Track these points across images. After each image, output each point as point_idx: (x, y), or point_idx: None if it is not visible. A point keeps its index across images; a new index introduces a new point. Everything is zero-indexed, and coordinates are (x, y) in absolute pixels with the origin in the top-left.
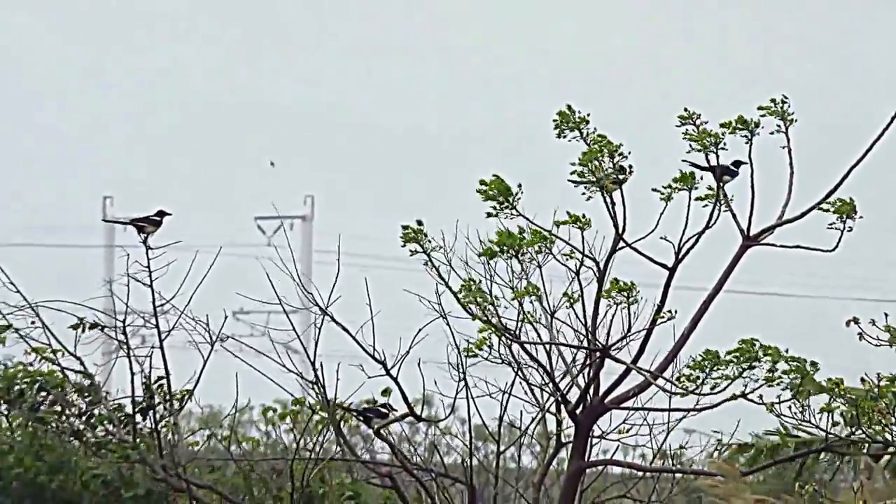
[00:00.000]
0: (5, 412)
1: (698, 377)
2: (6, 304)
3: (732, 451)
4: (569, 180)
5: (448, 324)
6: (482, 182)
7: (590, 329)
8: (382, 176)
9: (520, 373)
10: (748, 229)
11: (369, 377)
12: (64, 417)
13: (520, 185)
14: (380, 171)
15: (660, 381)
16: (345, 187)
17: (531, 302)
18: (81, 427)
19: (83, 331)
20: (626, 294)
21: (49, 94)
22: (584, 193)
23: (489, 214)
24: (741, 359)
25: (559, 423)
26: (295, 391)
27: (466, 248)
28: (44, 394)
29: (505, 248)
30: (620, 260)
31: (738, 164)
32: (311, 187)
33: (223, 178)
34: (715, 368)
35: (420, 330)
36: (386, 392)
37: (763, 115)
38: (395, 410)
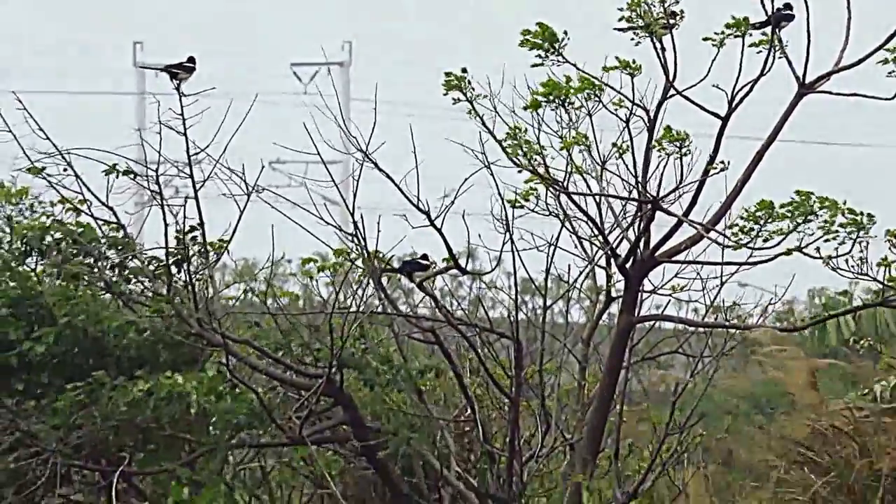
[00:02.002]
0: (34, 264)
1: (752, 229)
2: (36, 150)
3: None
4: (615, 29)
5: (493, 174)
6: (526, 31)
7: (640, 180)
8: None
9: (568, 225)
10: (804, 76)
11: (413, 228)
12: (96, 270)
13: (566, 32)
14: (422, 16)
15: (712, 234)
16: (385, 32)
17: (580, 152)
18: (114, 280)
19: (117, 176)
20: (678, 143)
21: None
22: (632, 39)
23: (535, 64)
24: (796, 212)
25: (609, 276)
26: (333, 244)
27: (513, 96)
28: (76, 246)
29: (551, 97)
30: (671, 109)
31: (788, 7)
32: (349, 32)
33: (257, 24)
34: (769, 221)
35: (465, 180)
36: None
37: None
38: (435, 263)
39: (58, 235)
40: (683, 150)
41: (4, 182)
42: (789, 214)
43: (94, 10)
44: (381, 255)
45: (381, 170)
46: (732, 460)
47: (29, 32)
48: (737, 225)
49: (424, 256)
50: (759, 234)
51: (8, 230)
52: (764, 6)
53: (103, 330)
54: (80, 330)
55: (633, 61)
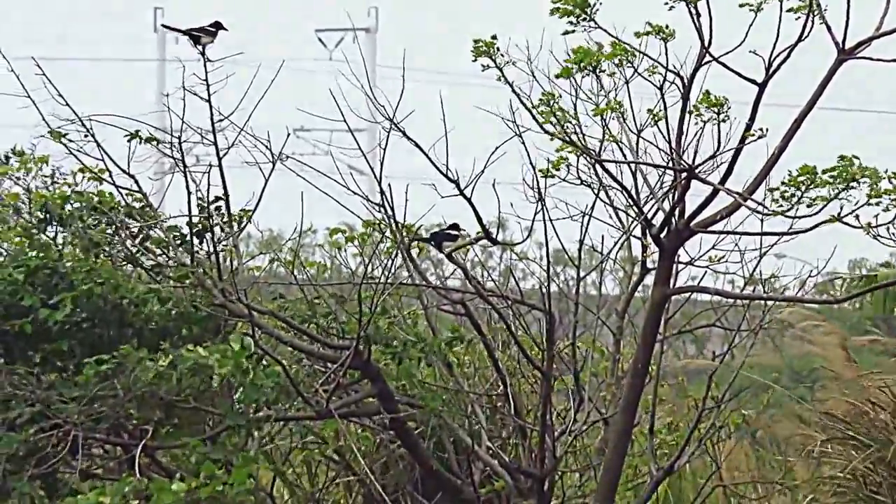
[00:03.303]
0: (54, 234)
1: (793, 195)
2: (56, 117)
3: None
4: None
5: (524, 143)
6: None
7: (675, 149)
8: None
9: (602, 194)
10: (843, 42)
11: (442, 197)
12: (118, 239)
13: None
14: None
15: (749, 203)
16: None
17: (615, 119)
18: (135, 250)
19: (140, 142)
20: (716, 109)
21: None
22: (666, 3)
23: (566, 32)
24: (838, 178)
25: (644, 247)
26: (361, 214)
27: (547, 62)
28: (96, 214)
29: (583, 64)
30: (707, 76)
31: None
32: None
33: None
34: (811, 187)
35: (497, 148)
36: None
37: None
38: (465, 232)
39: (77, 204)
40: (721, 117)
41: (24, 150)
42: (831, 181)
43: None
44: (409, 226)
45: (409, 138)
46: (770, 436)
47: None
48: (777, 189)
49: (455, 226)
50: (801, 200)
51: (27, 199)
52: None
53: (125, 299)
54: (100, 298)
55: (667, 26)
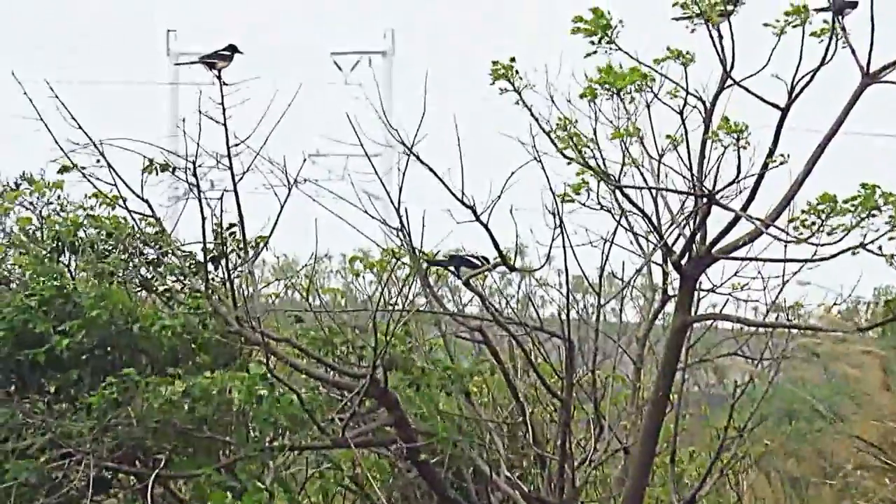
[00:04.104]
0: (67, 261)
1: (814, 223)
2: (70, 140)
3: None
4: (673, 18)
5: (543, 167)
6: (578, 18)
7: (695, 174)
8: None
9: (622, 220)
10: (868, 65)
11: (458, 223)
12: (131, 266)
13: (620, 21)
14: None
15: (772, 230)
16: (428, 20)
17: (635, 143)
18: (150, 276)
19: (156, 173)
20: (737, 135)
21: None
22: (687, 26)
23: (588, 54)
24: (860, 206)
25: (665, 274)
26: (376, 239)
27: (566, 86)
28: (111, 241)
29: (607, 85)
30: (729, 100)
31: None
32: (391, 20)
33: (294, 9)
34: (832, 215)
35: (513, 173)
36: None
37: None
38: (485, 259)
39: (91, 231)
40: (741, 143)
41: (35, 175)
42: (853, 209)
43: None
44: (428, 252)
45: (424, 164)
46: (798, 464)
47: (61, 20)
48: (798, 218)
49: (484, 259)
50: (822, 228)
51: (40, 225)
52: None
53: (137, 325)
54: (111, 325)
55: (687, 52)
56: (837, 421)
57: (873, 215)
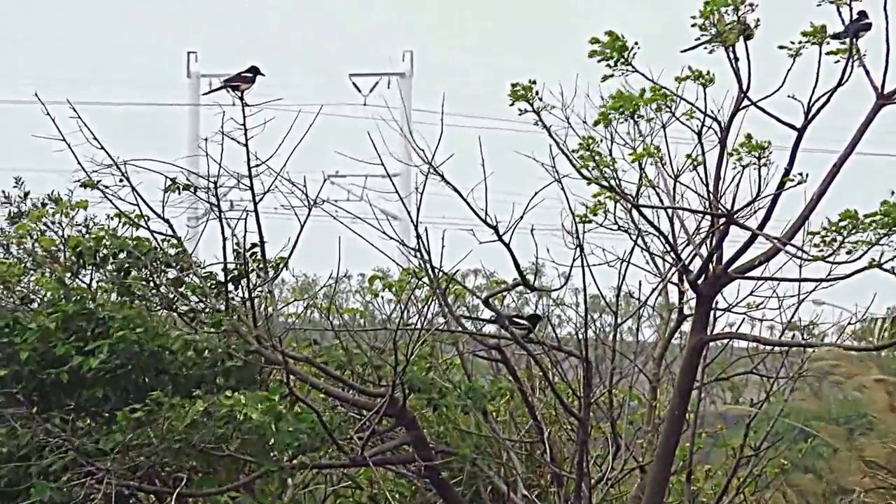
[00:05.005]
0: (88, 279)
1: (834, 240)
2: (92, 160)
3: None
4: (682, 51)
5: (563, 188)
6: (594, 40)
7: (712, 193)
8: (490, 30)
9: (639, 240)
10: (882, 86)
11: (481, 243)
12: (153, 286)
13: (636, 42)
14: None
15: (788, 249)
16: (447, 42)
17: (652, 164)
18: (171, 296)
19: (178, 193)
20: (757, 154)
21: None
22: (705, 47)
23: (605, 77)
24: (881, 223)
25: (681, 293)
26: (396, 259)
27: (584, 106)
28: (131, 260)
29: (621, 109)
30: (745, 121)
31: (865, 16)
32: (409, 42)
33: (313, 32)
34: (853, 231)
35: (536, 194)
36: None
37: None
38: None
39: (113, 249)
40: (762, 161)
41: (60, 195)
42: (873, 225)
43: (149, 20)
44: (448, 274)
45: (447, 182)
46: (810, 483)
47: (83, 42)
48: (818, 234)
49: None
50: (842, 245)
51: (62, 245)
52: (841, 16)
53: (162, 347)
54: (135, 345)
55: (708, 72)
56: (849, 440)
57: (893, 232)
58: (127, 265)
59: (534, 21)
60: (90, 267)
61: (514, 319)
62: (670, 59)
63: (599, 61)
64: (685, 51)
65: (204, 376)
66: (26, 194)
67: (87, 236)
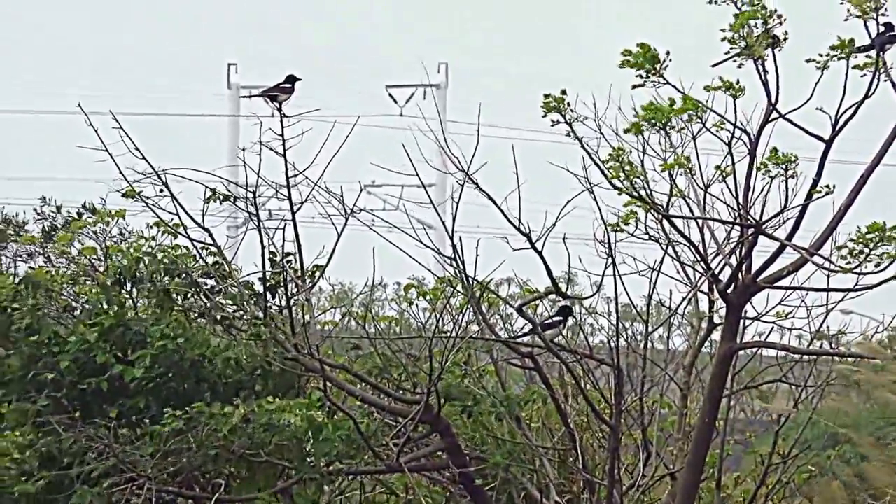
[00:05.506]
0: (129, 290)
1: (861, 252)
2: (134, 170)
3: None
4: (712, 65)
5: (595, 198)
6: (627, 51)
7: (742, 204)
8: (523, 41)
9: (669, 250)
10: None
11: (514, 250)
12: (192, 294)
13: (668, 53)
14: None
15: (816, 259)
16: (481, 54)
17: (683, 174)
18: (209, 304)
19: (219, 203)
20: (784, 166)
21: None
22: (734, 60)
23: (636, 85)
24: None
25: (711, 302)
26: (430, 268)
27: (616, 117)
28: (171, 267)
29: (653, 120)
30: (774, 132)
31: (891, 28)
32: (444, 54)
33: (351, 44)
34: (880, 243)
35: (567, 202)
36: None
37: None
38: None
39: (152, 269)
40: (789, 173)
41: (95, 205)
42: None
43: (189, 32)
44: (481, 282)
45: (482, 191)
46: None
47: (124, 54)
48: (846, 247)
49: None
50: (868, 257)
51: (103, 255)
52: (868, 30)
53: (202, 356)
54: (175, 354)
55: (737, 82)
56: (879, 447)
57: None
58: (165, 283)
59: (569, 27)
60: (129, 279)
61: (546, 322)
62: (698, 70)
63: (631, 67)
64: (715, 65)
65: (242, 383)
66: (59, 208)
67: (128, 251)
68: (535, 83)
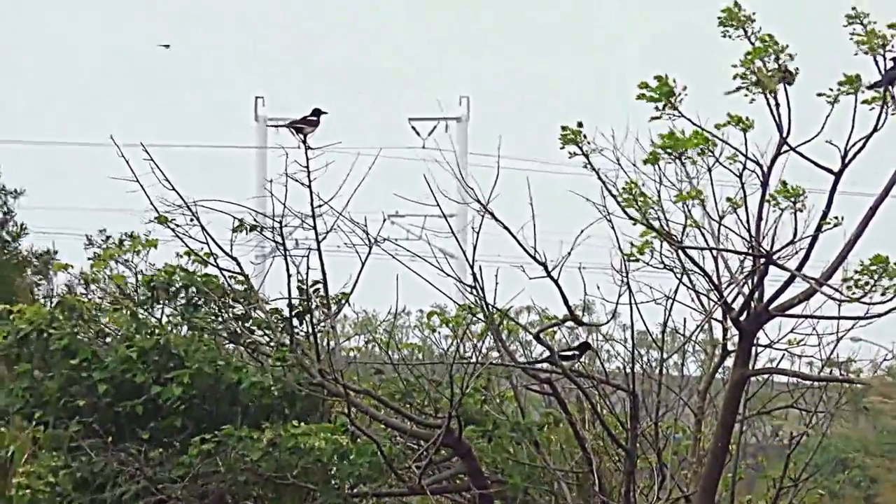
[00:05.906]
0: (160, 313)
1: (867, 283)
2: (164, 200)
3: None
4: (726, 93)
5: (612, 227)
6: (643, 84)
7: (753, 235)
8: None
9: (684, 279)
10: None
11: (530, 279)
12: (221, 320)
13: (685, 88)
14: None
15: (825, 289)
16: (501, 86)
17: (696, 206)
18: (238, 330)
19: (247, 233)
20: (794, 198)
21: None
22: (746, 95)
23: (653, 117)
24: None
25: (725, 330)
26: (452, 296)
27: (634, 149)
28: (200, 295)
29: (668, 150)
30: (786, 164)
31: None
32: (466, 88)
33: (374, 78)
34: (884, 275)
35: (582, 231)
36: None
37: None
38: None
39: (185, 282)
40: (798, 205)
41: (136, 234)
42: None
43: (217, 66)
44: (501, 310)
45: (498, 221)
46: None
47: (153, 87)
48: (851, 278)
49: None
50: (874, 288)
51: (135, 282)
52: (878, 64)
53: (239, 379)
54: (209, 377)
55: (747, 118)
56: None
57: None
58: (195, 299)
59: (585, 60)
60: (162, 301)
61: (564, 353)
62: (716, 103)
63: (648, 101)
64: (728, 93)
65: (272, 407)
66: (108, 237)
67: (158, 272)
68: (555, 111)
